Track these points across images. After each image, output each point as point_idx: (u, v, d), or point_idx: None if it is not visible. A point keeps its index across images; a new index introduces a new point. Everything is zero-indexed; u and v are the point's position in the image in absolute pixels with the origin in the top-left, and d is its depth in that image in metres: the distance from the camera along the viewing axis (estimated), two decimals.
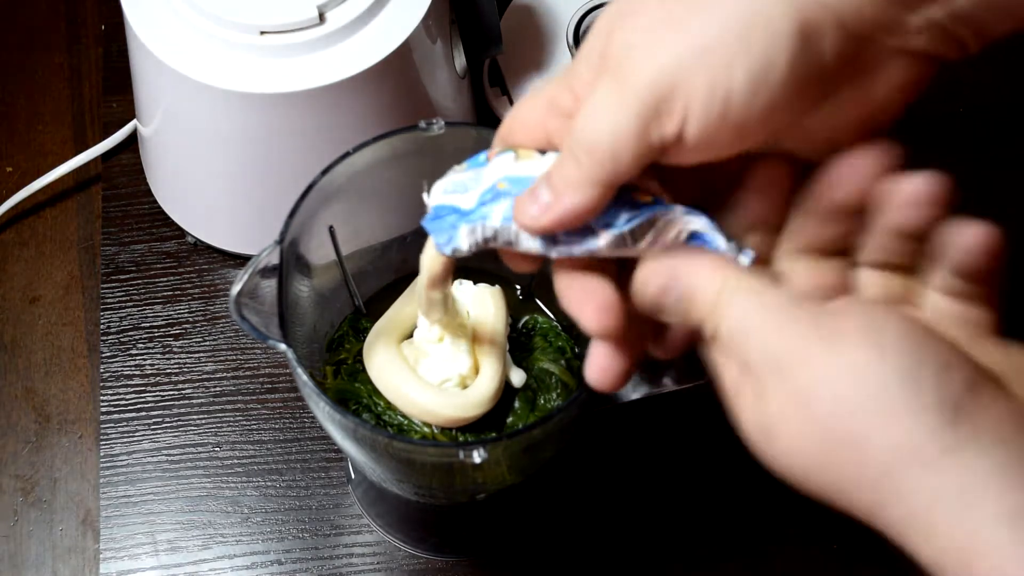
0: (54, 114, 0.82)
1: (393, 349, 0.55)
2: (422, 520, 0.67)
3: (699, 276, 0.38)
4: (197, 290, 0.75)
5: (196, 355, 0.72)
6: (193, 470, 0.69)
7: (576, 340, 0.59)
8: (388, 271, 0.60)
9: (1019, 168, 0.80)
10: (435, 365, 0.54)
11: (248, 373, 0.72)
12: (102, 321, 0.73)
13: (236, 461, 0.69)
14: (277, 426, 0.70)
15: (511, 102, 0.78)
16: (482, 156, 0.43)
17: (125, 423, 0.70)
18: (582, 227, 0.40)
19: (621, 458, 0.69)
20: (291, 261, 0.51)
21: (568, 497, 0.68)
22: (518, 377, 0.57)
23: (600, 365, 0.42)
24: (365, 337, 0.56)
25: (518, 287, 0.61)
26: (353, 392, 0.57)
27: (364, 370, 0.56)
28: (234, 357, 0.72)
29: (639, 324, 0.42)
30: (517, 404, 0.56)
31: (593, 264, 0.41)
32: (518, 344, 0.58)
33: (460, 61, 0.73)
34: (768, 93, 0.36)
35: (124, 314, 0.74)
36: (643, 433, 0.69)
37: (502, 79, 0.79)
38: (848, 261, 0.41)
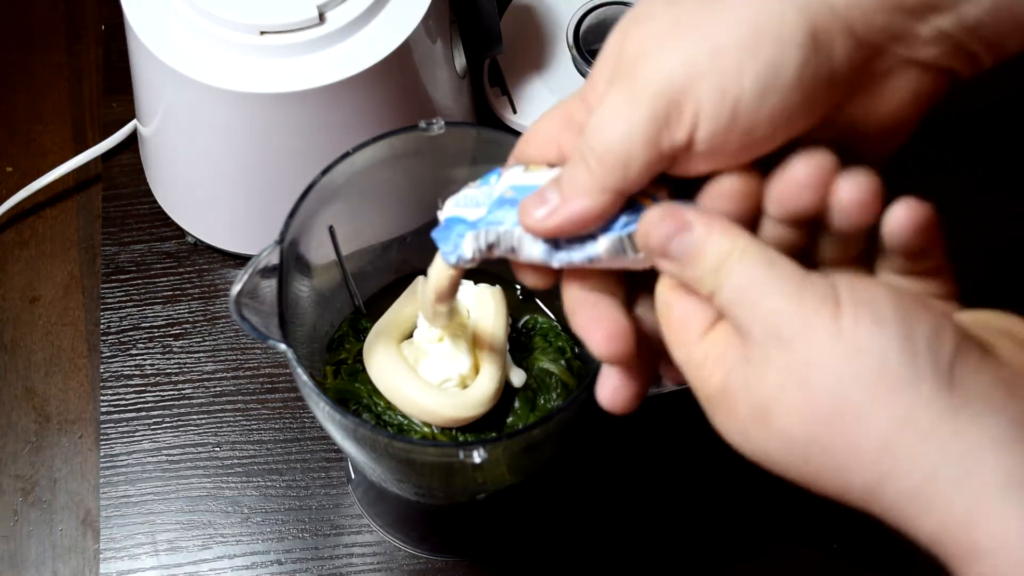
0: (54, 114, 0.82)
1: (393, 349, 0.55)
2: (422, 520, 0.67)
3: (711, 233, 0.37)
4: (197, 290, 0.75)
5: (196, 355, 0.72)
6: (193, 470, 0.69)
7: (576, 340, 0.59)
8: (388, 271, 0.60)
9: (1019, 168, 0.80)
10: (435, 365, 0.54)
11: (248, 373, 0.72)
12: (102, 321, 0.73)
13: (236, 461, 0.69)
14: (277, 426, 0.70)
15: (511, 102, 0.78)
16: (494, 176, 0.43)
17: (125, 423, 0.70)
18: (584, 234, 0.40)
19: (621, 458, 0.69)
20: (291, 261, 0.51)
21: (568, 497, 0.68)
22: (518, 377, 0.57)
23: (612, 387, 0.41)
24: (365, 337, 0.56)
25: (518, 287, 0.61)
26: (353, 392, 0.57)
27: (364, 370, 0.56)
28: (234, 357, 0.72)
29: (649, 347, 0.42)
30: (517, 404, 0.56)
31: (603, 284, 0.41)
32: (518, 344, 0.58)
33: (460, 61, 0.73)
34: (777, 99, 0.36)
35: (124, 314, 0.74)
36: (643, 433, 0.69)
37: (502, 79, 0.79)
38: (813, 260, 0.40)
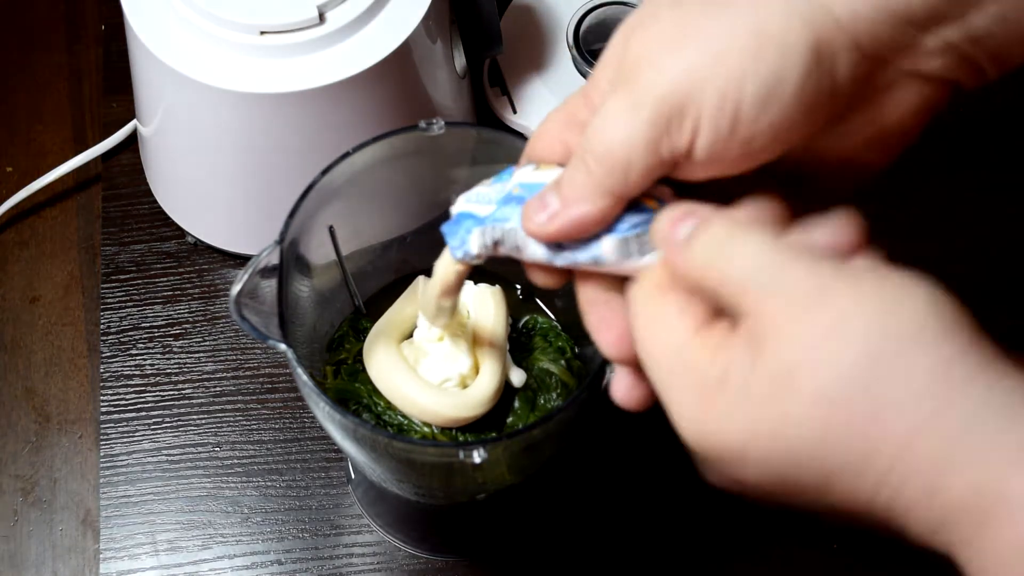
0: (54, 114, 0.82)
1: (393, 349, 0.55)
2: (422, 520, 0.67)
3: (712, 215, 0.37)
4: (197, 290, 0.75)
5: (196, 355, 0.72)
6: (193, 470, 0.69)
7: (576, 340, 0.59)
8: (388, 271, 0.60)
9: (1019, 170, 0.80)
10: (435, 365, 0.54)
11: (248, 373, 0.72)
12: (102, 321, 0.73)
13: (236, 461, 0.69)
14: (277, 426, 0.70)
15: (511, 102, 0.78)
16: (507, 174, 0.43)
17: (125, 423, 0.70)
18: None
19: (621, 458, 0.69)
20: (291, 261, 0.51)
21: (568, 497, 0.68)
22: (518, 377, 0.57)
23: (626, 386, 0.41)
24: (365, 337, 0.56)
25: (518, 287, 0.61)
26: (353, 392, 0.57)
27: (364, 370, 0.56)
28: (234, 357, 0.72)
29: None
30: (517, 404, 0.56)
31: (616, 285, 0.41)
32: (518, 344, 0.58)
33: (460, 61, 0.73)
34: (778, 108, 0.36)
35: (124, 314, 0.74)
36: (644, 433, 0.69)
37: (502, 79, 0.79)
38: None
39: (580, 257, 0.40)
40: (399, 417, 0.55)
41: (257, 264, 0.49)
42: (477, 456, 0.47)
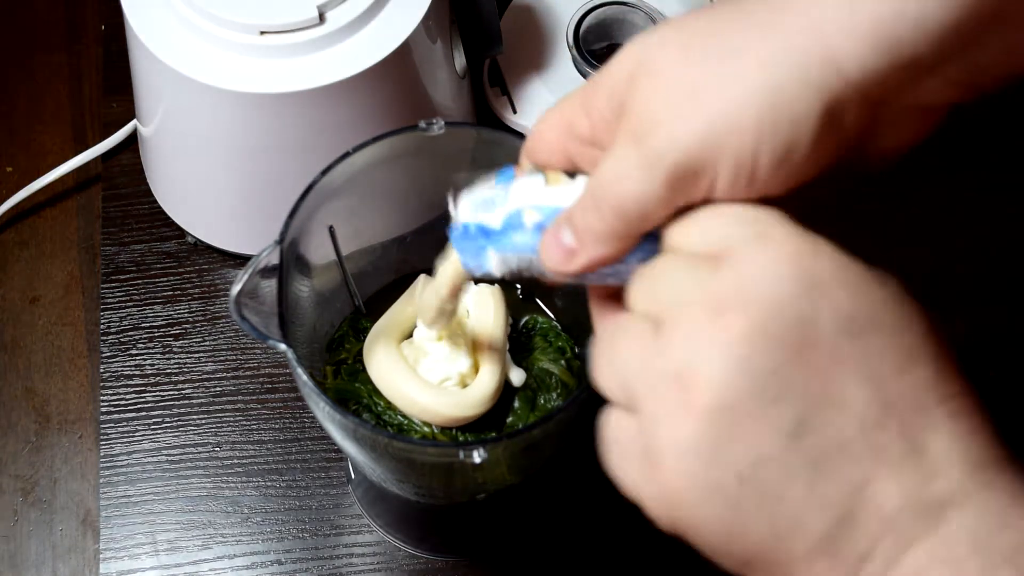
0: (54, 114, 0.82)
1: (393, 349, 0.55)
2: (422, 520, 0.67)
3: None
4: (197, 290, 0.75)
5: (196, 355, 0.72)
6: (193, 470, 0.69)
7: (576, 340, 0.59)
8: (388, 271, 0.60)
9: (1019, 170, 0.80)
10: (435, 364, 0.54)
11: (248, 373, 0.72)
12: (102, 321, 0.73)
13: (236, 461, 0.69)
14: (277, 426, 0.70)
15: (511, 102, 0.78)
16: (508, 173, 0.43)
17: (125, 423, 0.70)
18: None
19: None
20: (291, 261, 0.51)
21: (568, 497, 0.68)
22: (518, 377, 0.57)
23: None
24: (365, 337, 0.57)
25: (518, 287, 0.61)
26: (353, 392, 0.57)
27: (364, 370, 0.56)
28: (234, 357, 0.72)
29: None
30: (517, 404, 0.56)
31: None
32: (518, 344, 0.58)
33: (460, 61, 0.73)
34: (790, 167, 0.37)
35: (124, 314, 0.74)
36: None
37: (502, 79, 0.79)
38: None
39: (608, 279, 0.41)
40: (399, 417, 0.55)
41: (257, 264, 0.49)
42: (477, 456, 0.47)
